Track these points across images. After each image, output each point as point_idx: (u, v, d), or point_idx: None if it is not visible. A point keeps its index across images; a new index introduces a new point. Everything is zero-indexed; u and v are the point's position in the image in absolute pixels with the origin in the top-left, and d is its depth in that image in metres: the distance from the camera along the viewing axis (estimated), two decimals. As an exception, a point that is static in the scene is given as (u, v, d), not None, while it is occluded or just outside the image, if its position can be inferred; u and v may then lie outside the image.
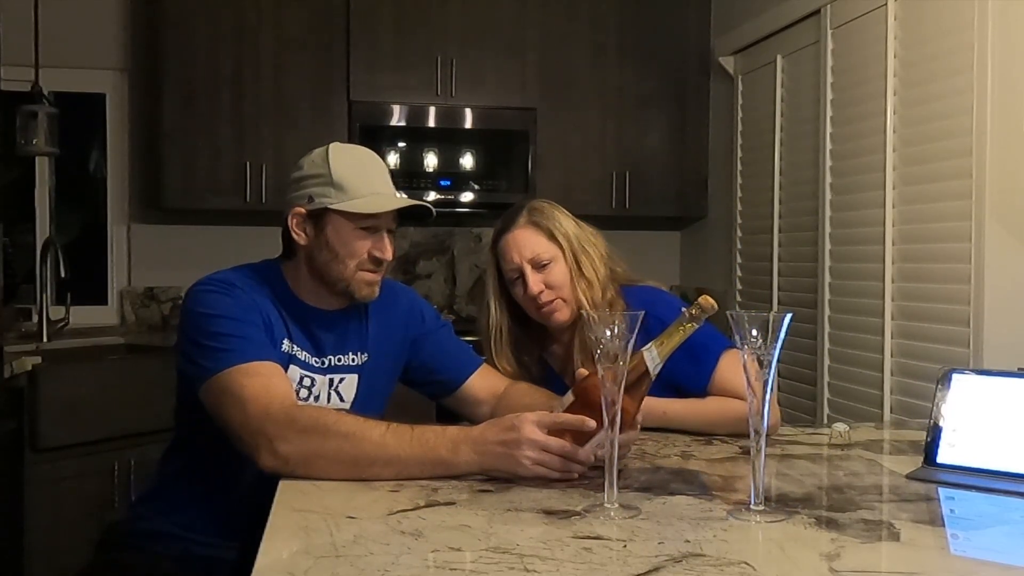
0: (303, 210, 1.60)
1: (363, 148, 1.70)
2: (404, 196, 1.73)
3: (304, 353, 1.62)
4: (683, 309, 1.39)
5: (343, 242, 1.60)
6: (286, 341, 1.60)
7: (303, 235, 1.61)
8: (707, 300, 1.37)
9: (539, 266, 1.83)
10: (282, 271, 1.67)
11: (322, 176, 1.59)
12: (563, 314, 1.84)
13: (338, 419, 1.41)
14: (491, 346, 1.89)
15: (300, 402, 1.55)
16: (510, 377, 1.85)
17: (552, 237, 1.85)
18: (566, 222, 1.88)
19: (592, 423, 1.35)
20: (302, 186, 1.62)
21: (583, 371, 1.49)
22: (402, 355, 1.79)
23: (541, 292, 1.82)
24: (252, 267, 1.67)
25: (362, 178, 1.61)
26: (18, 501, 2.73)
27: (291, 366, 1.59)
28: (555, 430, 1.36)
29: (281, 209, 1.67)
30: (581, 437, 1.38)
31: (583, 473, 1.38)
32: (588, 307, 1.79)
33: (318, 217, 1.60)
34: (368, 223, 1.60)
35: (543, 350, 1.94)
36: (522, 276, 1.83)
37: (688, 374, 1.75)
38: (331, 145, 1.64)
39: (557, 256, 1.84)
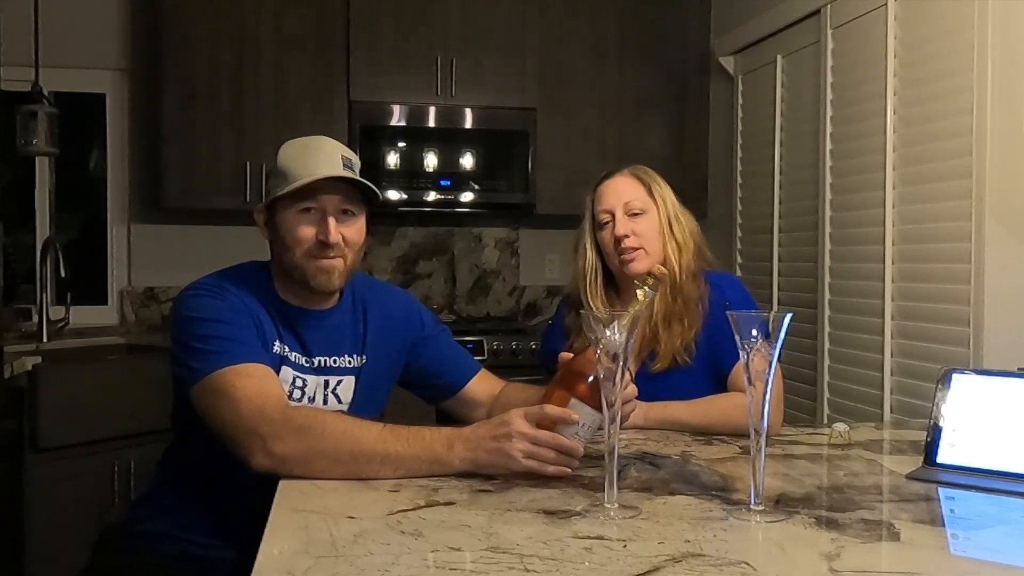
0: (262, 206, 1.64)
1: (319, 137, 1.65)
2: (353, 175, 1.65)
3: (294, 354, 1.62)
4: (636, 281, 1.43)
5: (288, 228, 1.60)
6: (277, 343, 1.60)
7: (265, 230, 1.65)
8: (659, 269, 1.47)
9: (631, 213, 1.90)
10: (270, 272, 1.67)
11: (273, 170, 1.63)
12: (641, 264, 1.88)
13: (334, 418, 1.42)
14: (586, 288, 1.94)
15: (294, 403, 1.55)
16: None
17: (650, 193, 1.94)
18: (666, 189, 1.97)
19: (576, 416, 1.38)
20: (266, 187, 1.67)
21: (566, 355, 1.50)
22: (400, 358, 1.79)
23: (626, 236, 1.88)
24: (240, 269, 1.67)
25: (301, 162, 1.58)
26: (18, 501, 2.73)
27: (283, 367, 1.59)
28: (545, 424, 1.37)
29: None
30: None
31: (575, 467, 1.39)
32: (676, 268, 1.87)
33: (273, 210, 1.62)
34: (308, 204, 1.58)
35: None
36: (612, 219, 1.90)
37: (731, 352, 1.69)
38: (287, 142, 1.66)
39: (650, 209, 1.92)
